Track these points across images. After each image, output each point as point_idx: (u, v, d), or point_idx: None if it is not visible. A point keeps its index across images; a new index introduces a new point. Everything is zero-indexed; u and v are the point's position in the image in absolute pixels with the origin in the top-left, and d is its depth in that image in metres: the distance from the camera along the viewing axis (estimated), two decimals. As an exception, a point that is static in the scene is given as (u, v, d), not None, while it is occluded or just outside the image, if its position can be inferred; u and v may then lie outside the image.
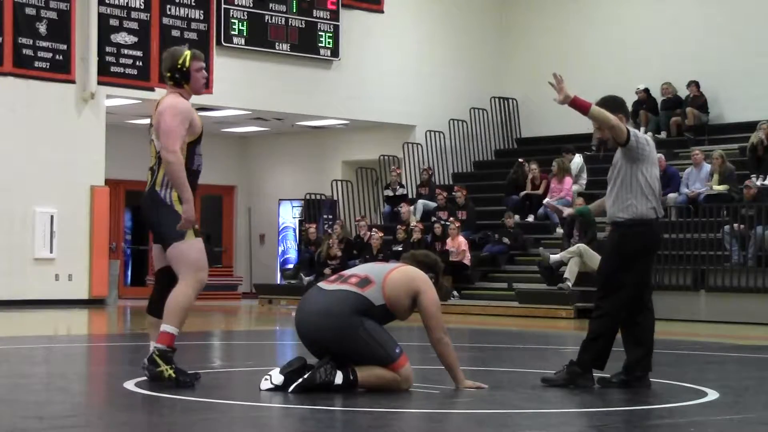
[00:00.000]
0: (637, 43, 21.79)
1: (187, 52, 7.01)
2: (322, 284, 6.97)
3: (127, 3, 19.18)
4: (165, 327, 6.78)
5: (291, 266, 22.92)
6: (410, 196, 21.81)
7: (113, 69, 19.02)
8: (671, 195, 18.13)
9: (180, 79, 6.99)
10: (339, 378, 6.64)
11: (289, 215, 24.58)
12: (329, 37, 21.34)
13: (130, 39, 19.21)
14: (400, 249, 18.68)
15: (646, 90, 21.02)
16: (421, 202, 21.09)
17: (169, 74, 7.01)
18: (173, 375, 6.69)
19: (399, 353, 6.76)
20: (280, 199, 24.78)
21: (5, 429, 5.46)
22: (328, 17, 21.34)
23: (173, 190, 6.91)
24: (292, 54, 20.95)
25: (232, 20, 20.26)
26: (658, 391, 7.28)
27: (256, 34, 20.49)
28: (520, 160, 20.80)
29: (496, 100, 23.32)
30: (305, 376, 6.61)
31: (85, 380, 7.41)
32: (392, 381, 6.74)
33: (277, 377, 6.67)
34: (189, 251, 6.95)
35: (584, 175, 20.29)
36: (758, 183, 17.54)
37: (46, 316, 16.49)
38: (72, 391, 7.28)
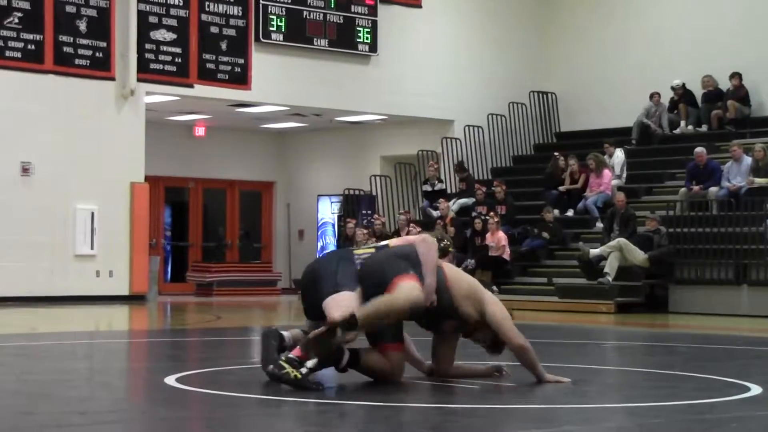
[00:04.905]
0: (678, 35, 21.63)
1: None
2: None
3: (166, 0, 19.27)
4: None
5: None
6: (449, 191, 21.78)
7: (152, 66, 19.12)
8: (712, 189, 18.00)
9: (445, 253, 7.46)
10: (345, 358, 6.74)
11: (328, 211, 24.62)
12: (367, 33, 21.34)
13: (169, 36, 19.29)
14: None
15: (683, 85, 20.87)
16: (459, 201, 21.02)
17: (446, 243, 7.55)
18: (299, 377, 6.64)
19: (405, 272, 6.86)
20: (318, 195, 24.82)
21: (48, 424, 5.50)
22: (366, 12, 21.34)
23: None
24: (330, 49, 20.97)
25: (270, 16, 20.30)
26: (700, 386, 7.24)
27: (294, 29, 20.53)
28: (556, 153, 20.73)
29: (535, 94, 23.23)
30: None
31: (126, 376, 7.45)
32: (385, 367, 6.84)
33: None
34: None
35: (625, 170, 20.16)
36: (801, 176, 17.39)
37: (88, 312, 16.61)
38: (113, 387, 7.33)
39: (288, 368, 6.55)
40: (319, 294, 6.91)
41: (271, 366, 6.69)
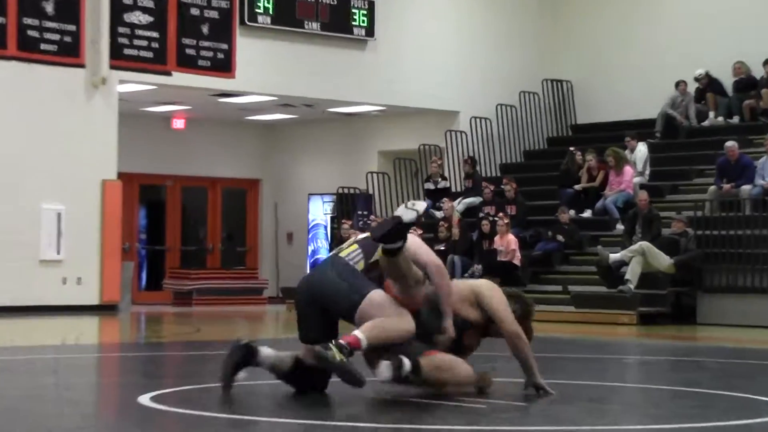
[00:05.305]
0: (706, 17, 21.60)
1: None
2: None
3: (141, -21, 19.25)
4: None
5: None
6: (453, 189, 21.76)
7: (126, 51, 19.08)
8: (745, 187, 17.99)
9: None
10: (407, 366, 6.94)
11: (320, 211, 24.63)
12: (363, 15, 21.33)
13: (145, 19, 19.26)
14: (443, 248, 18.62)
15: (707, 74, 20.84)
16: (465, 201, 21.03)
17: None
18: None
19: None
20: (309, 194, 24.82)
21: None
22: (362, -7, 21.34)
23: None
24: (322, 34, 20.95)
25: (257, -3, 20.27)
26: (733, 405, 7.23)
27: (282, 12, 20.51)
28: (572, 148, 20.72)
29: (549, 82, 23.23)
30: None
31: (96, 392, 7.47)
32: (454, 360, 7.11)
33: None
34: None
35: (648, 166, 20.14)
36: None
37: (54, 324, 16.61)
38: (82, 404, 7.36)
39: (335, 350, 6.81)
40: (335, 307, 7.14)
41: (319, 346, 6.91)
